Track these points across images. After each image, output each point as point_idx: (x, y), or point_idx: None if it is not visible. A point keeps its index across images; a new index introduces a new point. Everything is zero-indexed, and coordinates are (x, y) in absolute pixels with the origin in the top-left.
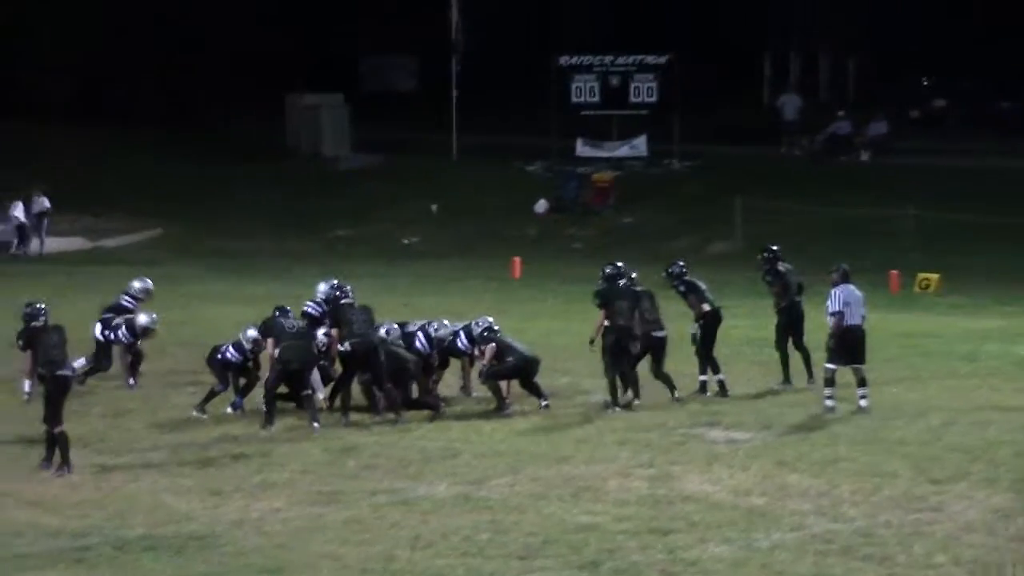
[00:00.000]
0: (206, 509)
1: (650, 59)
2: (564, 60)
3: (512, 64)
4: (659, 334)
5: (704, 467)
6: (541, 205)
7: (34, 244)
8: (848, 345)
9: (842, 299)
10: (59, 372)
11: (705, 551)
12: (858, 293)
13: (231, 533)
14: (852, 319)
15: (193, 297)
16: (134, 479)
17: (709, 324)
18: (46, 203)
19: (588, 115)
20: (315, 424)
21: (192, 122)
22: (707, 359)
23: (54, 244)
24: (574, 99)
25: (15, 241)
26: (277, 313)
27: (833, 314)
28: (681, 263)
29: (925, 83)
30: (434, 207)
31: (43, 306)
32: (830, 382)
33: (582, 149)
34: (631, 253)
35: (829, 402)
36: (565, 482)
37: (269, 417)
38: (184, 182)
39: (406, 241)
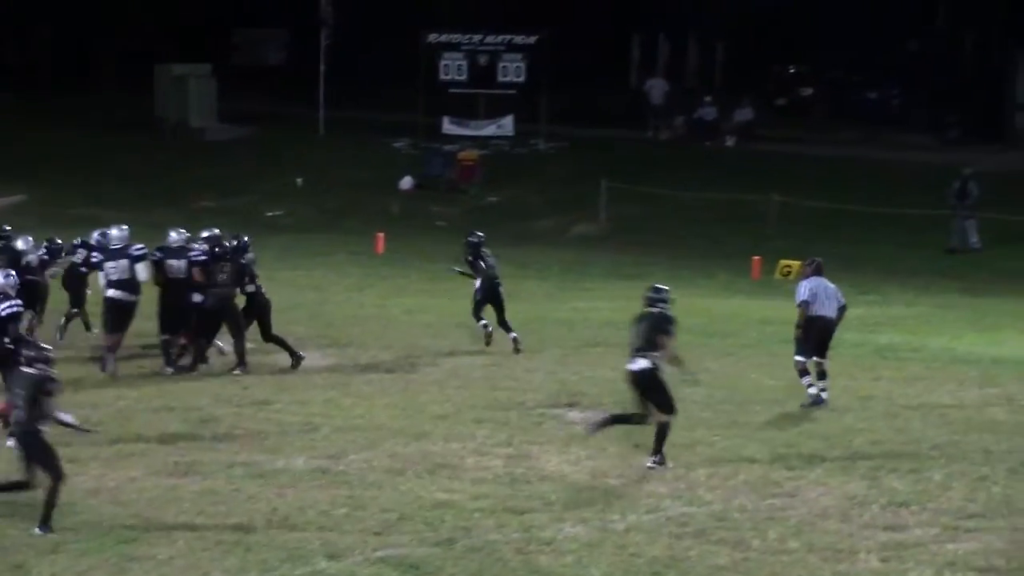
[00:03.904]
0: None
1: (519, 39)
2: (433, 37)
3: (381, 40)
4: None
5: (562, 447)
6: (406, 182)
7: None
8: (815, 335)
9: (809, 290)
10: None
11: (560, 531)
12: (830, 286)
13: (87, 502)
14: (821, 310)
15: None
16: None
17: (488, 290)
18: None
19: (455, 93)
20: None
21: (59, 88)
22: (501, 323)
23: None
24: (442, 77)
25: None
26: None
27: (799, 304)
28: (480, 235)
29: (792, 71)
30: (299, 181)
31: None
32: (803, 373)
33: (448, 127)
34: (495, 232)
35: (812, 390)
36: (423, 459)
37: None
38: (50, 148)
39: (270, 214)
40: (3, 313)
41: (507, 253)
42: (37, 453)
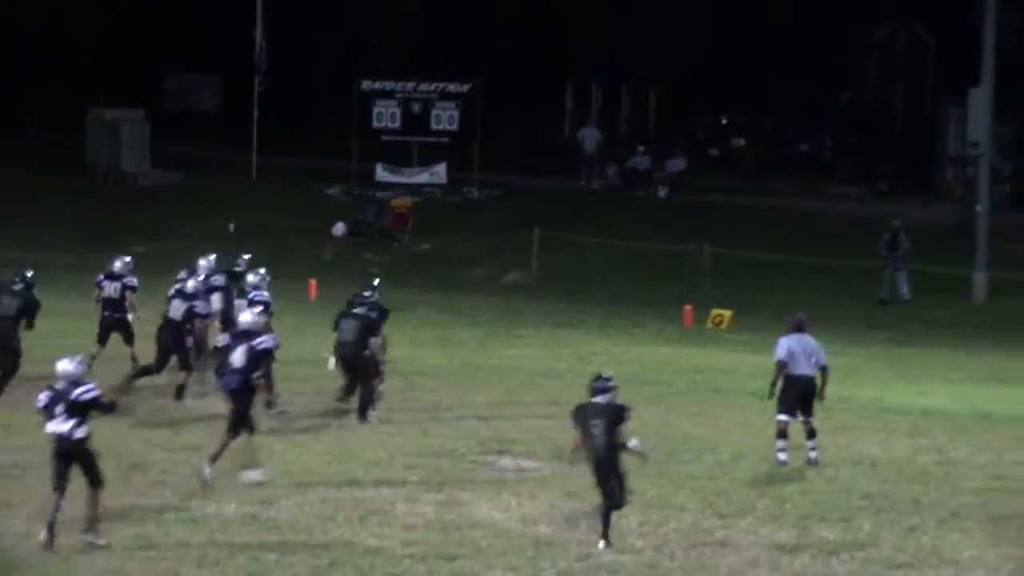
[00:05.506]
0: None
1: (452, 87)
2: (367, 85)
3: (315, 86)
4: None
5: (493, 494)
6: (339, 228)
7: None
8: (793, 394)
9: (787, 348)
10: None
11: None
12: (811, 343)
13: (20, 546)
14: (799, 368)
15: None
16: None
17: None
18: None
19: (389, 140)
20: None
21: None
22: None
23: None
24: (375, 124)
25: None
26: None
27: (776, 362)
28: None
29: (725, 122)
30: (232, 226)
31: None
32: (781, 434)
33: (381, 174)
34: (427, 280)
35: (781, 455)
36: (354, 505)
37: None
38: None
39: None
40: (259, 348)
41: (439, 300)
42: (616, 474)
